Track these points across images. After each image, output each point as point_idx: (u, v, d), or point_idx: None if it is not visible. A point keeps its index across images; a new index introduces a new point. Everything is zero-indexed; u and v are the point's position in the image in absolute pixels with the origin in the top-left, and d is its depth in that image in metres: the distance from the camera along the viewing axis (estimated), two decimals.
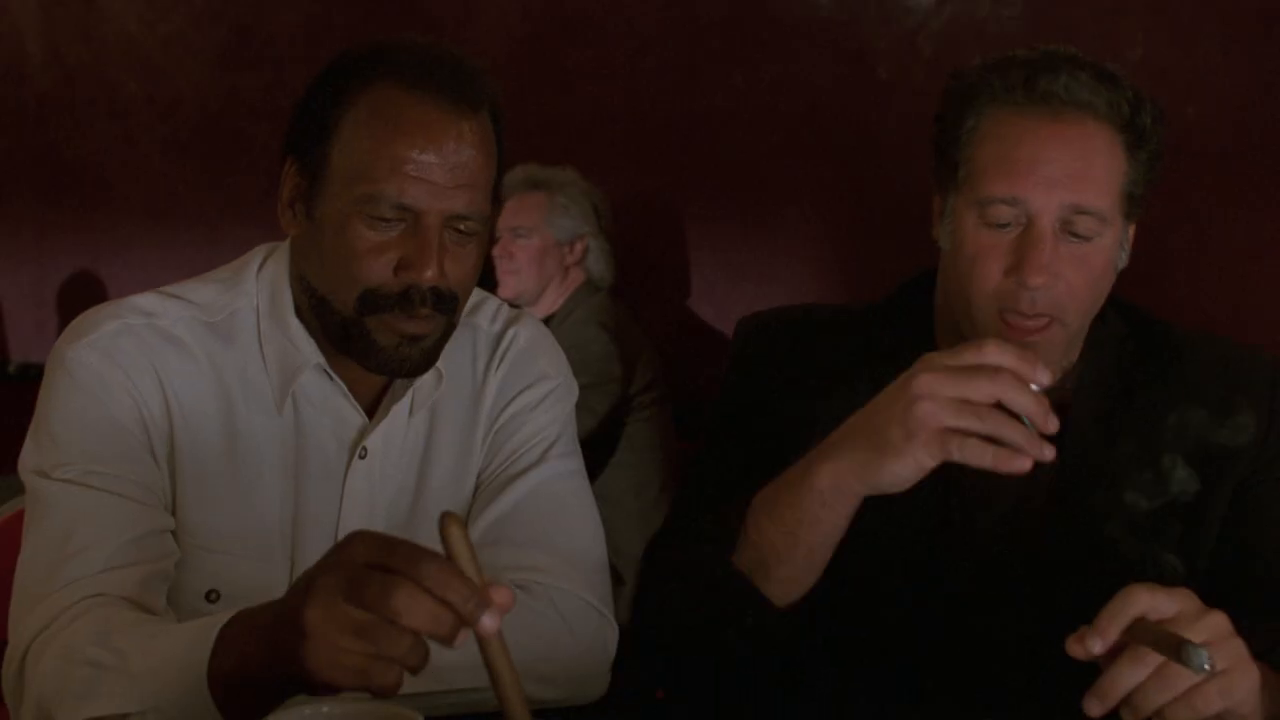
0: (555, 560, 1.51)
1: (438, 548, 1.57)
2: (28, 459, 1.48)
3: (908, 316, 1.70)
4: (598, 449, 3.38)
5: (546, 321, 3.54)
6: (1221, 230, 3.34)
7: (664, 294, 4.04)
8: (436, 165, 1.44)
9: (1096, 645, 1.24)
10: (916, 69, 3.64)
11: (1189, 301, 3.33)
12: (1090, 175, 1.54)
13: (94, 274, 4.96)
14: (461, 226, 1.48)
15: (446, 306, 1.48)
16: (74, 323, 1.53)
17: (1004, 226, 1.54)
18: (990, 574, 1.63)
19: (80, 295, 4.90)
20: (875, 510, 1.60)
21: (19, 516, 2.00)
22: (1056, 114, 1.54)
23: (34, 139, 5.04)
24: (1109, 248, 1.57)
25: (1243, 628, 1.29)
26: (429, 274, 1.45)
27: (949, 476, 1.61)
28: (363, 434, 1.55)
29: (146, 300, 1.54)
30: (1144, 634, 1.23)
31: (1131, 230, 1.63)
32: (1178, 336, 1.68)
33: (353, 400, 1.54)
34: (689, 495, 1.73)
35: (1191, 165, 3.34)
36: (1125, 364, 1.65)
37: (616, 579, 1.61)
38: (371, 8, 4.23)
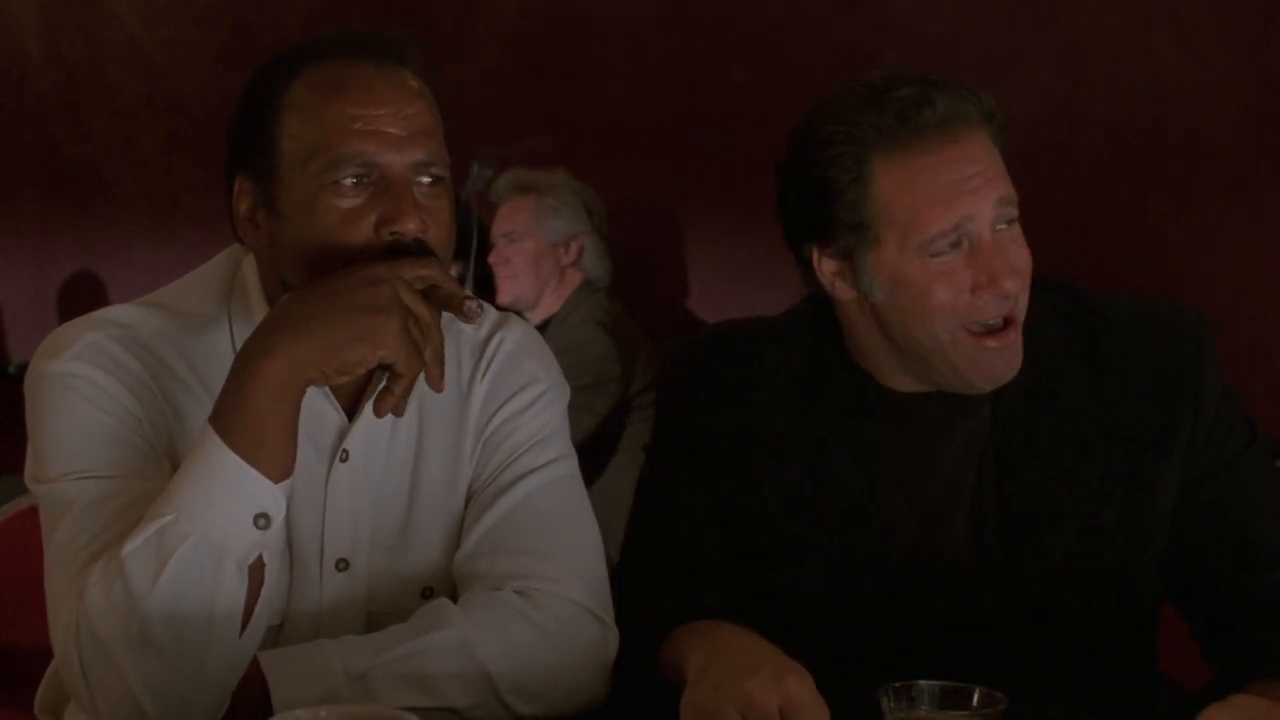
0: (554, 567, 1.49)
1: (431, 555, 1.57)
2: (33, 471, 1.46)
3: (818, 328, 1.73)
4: (598, 449, 3.38)
5: (546, 323, 3.54)
6: (1221, 228, 3.34)
7: (664, 294, 4.04)
8: (387, 117, 1.44)
9: None
10: (917, 69, 3.64)
11: (1188, 299, 3.32)
12: (998, 169, 1.59)
13: (94, 274, 4.96)
14: (428, 174, 1.45)
15: None
16: (48, 340, 1.49)
17: (955, 248, 1.57)
18: (925, 556, 1.64)
19: (80, 295, 4.90)
20: (802, 502, 1.64)
21: (19, 516, 2.00)
22: (950, 136, 1.57)
23: (34, 139, 5.04)
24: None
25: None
26: (411, 225, 1.42)
27: (871, 471, 1.65)
28: (342, 436, 1.52)
29: (120, 312, 1.51)
30: None
31: None
32: (1102, 303, 1.69)
33: (332, 399, 1.51)
34: (645, 524, 1.75)
35: (1191, 164, 3.34)
36: (1052, 339, 1.66)
37: (615, 581, 1.61)
38: (371, 8, 4.23)
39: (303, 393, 1.36)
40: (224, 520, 1.32)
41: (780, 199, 1.67)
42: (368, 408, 1.52)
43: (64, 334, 1.49)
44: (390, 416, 1.53)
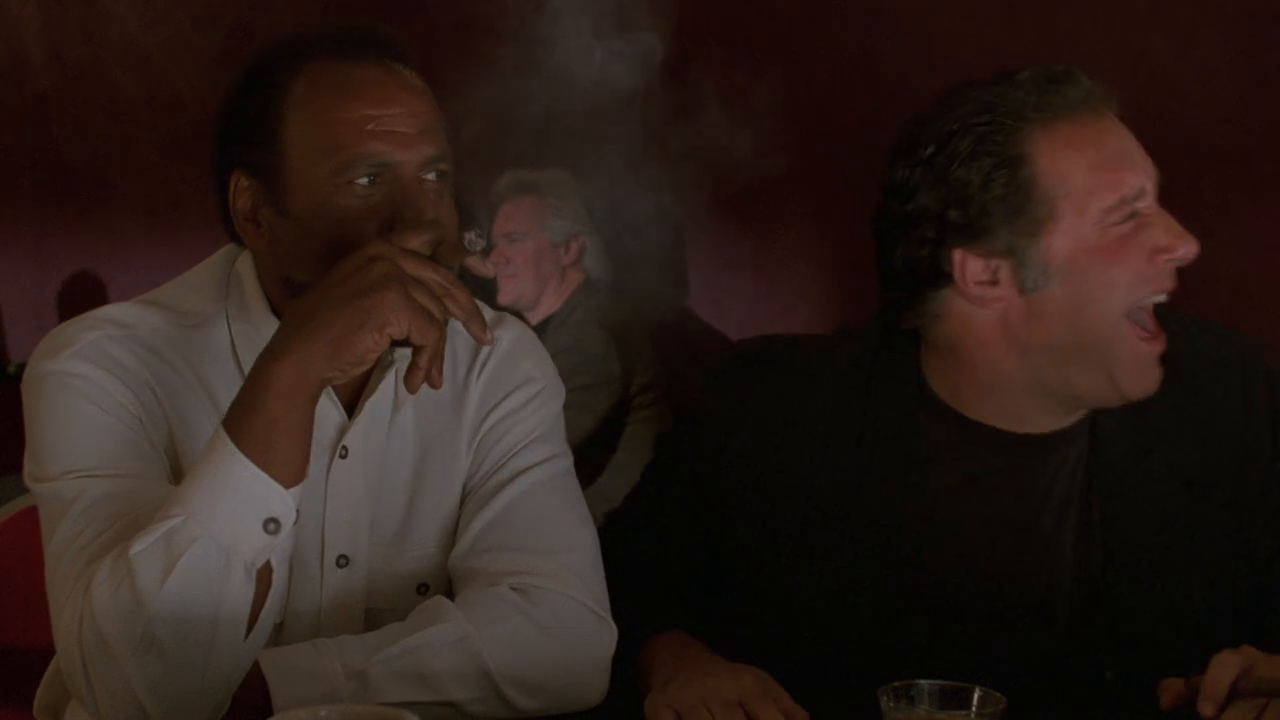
0: (550, 563, 1.50)
1: (427, 551, 1.57)
2: (32, 470, 1.46)
3: (892, 367, 1.62)
4: (597, 449, 3.38)
5: (546, 323, 3.55)
6: (1222, 228, 3.34)
7: (664, 294, 4.04)
8: (397, 116, 1.44)
9: (1209, 709, 1.34)
10: (917, 69, 3.64)
11: (1188, 299, 3.32)
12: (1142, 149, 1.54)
13: (94, 274, 4.96)
14: (437, 170, 1.46)
15: None
16: (47, 340, 1.49)
17: (1133, 218, 1.51)
18: (1001, 595, 1.59)
19: (80, 295, 4.90)
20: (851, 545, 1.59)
21: (19, 516, 2.00)
22: (1098, 111, 1.53)
23: (34, 139, 5.04)
24: None
25: None
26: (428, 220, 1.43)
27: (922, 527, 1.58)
28: (342, 433, 1.52)
29: (119, 311, 1.51)
30: (1251, 685, 1.34)
31: None
32: (1174, 323, 1.62)
33: (333, 396, 1.51)
34: (632, 546, 1.69)
35: (1192, 165, 3.33)
36: None
37: None
38: (371, 8, 4.23)
39: (317, 394, 1.36)
40: (234, 524, 1.32)
41: (895, 225, 1.57)
42: (368, 405, 1.53)
43: (62, 333, 1.49)
44: (389, 412, 1.54)
